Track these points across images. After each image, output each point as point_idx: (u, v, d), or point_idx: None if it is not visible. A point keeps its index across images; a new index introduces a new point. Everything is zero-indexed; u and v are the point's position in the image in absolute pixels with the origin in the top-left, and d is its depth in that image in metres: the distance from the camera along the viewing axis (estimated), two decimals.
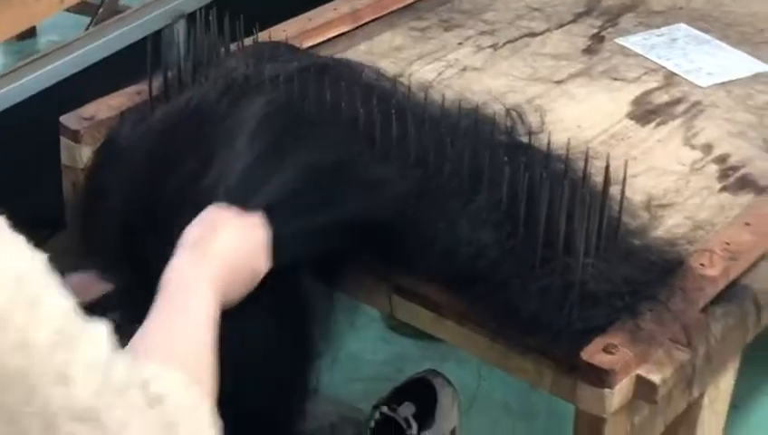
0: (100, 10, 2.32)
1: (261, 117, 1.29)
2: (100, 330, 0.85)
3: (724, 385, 1.32)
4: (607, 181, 1.23)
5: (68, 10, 2.46)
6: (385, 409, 1.83)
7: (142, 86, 1.54)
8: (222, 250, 1.13)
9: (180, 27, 1.88)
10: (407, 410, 1.84)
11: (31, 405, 0.78)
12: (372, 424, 1.82)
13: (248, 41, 1.57)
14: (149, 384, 0.89)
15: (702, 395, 1.28)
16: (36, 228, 1.14)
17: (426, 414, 1.86)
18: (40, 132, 1.60)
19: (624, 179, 1.26)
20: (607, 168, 1.23)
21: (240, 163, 1.24)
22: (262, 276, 1.18)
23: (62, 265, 1.08)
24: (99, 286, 1.29)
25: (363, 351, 2.18)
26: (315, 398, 1.88)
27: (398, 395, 1.87)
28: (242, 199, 1.20)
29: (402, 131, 1.31)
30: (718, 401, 1.33)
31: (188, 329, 1.04)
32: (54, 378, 0.79)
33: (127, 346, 0.98)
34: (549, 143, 1.30)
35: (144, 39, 1.90)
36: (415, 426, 1.82)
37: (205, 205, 1.19)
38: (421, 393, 1.88)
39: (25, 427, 0.78)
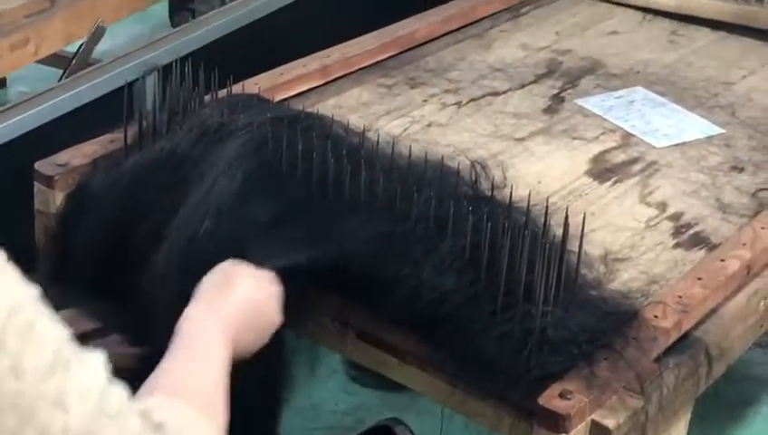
0: (73, 62, 2.36)
1: (233, 160, 1.34)
2: (96, 358, 0.87)
3: (676, 434, 1.36)
4: (566, 233, 1.28)
5: (40, 62, 2.50)
6: None
7: (116, 135, 1.58)
8: (236, 302, 1.18)
9: (152, 80, 1.92)
10: None
11: (30, 427, 0.81)
12: None
13: (221, 93, 1.61)
14: (152, 413, 0.91)
15: None
16: None
17: None
18: (14, 179, 1.63)
19: (582, 233, 1.31)
20: (566, 220, 1.28)
21: (217, 204, 1.28)
22: (275, 329, 1.23)
23: None
24: (80, 324, 1.32)
25: (325, 401, 2.21)
26: None
27: None
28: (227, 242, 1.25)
29: (370, 180, 1.36)
30: None
31: (201, 371, 1.08)
32: (51, 402, 0.82)
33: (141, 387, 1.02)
34: (510, 196, 1.35)
35: (116, 91, 1.95)
36: None
37: (184, 246, 1.23)
38: None
39: None
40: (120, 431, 0.85)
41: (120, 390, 0.88)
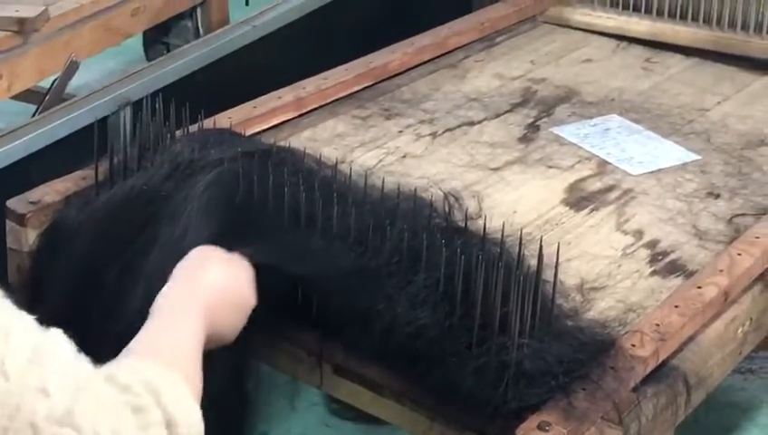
0: (47, 97, 2.35)
1: (204, 195, 1.33)
2: (58, 335, 0.94)
3: None
4: (540, 264, 1.27)
5: (14, 98, 2.49)
6: None
7: (88, 171, 1.56)
8: (211, 282, 1.22)
9: (126, 114, 1.92)
10: None
11: (18, 419, 0.87)
12: None
13: (193, 127, 1.61)
14: (117, 377, 0.97)
15: None
16: None
17: None
18: None
19: (557, 263, 1.30)
20: (540, 251, 1.28)
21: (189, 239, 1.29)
22: (251, 309, 1.26)
23: None
24: None
25: (304, 434, 2.19)
26: None
27: None
28: None
29: (343, 213, 1.35)
30: None
31: (175, 338, 1.12)
32: (34, 392, 0.89)
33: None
34: (485, 227, 1.35)
35: (91, 126, 1.94)
36: None
37: (155, 276, 1.23)
38: None
39: None
40: (93, 404, 0.92)
41: (85, 362, 0.95)
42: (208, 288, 1.21)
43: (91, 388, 0.94)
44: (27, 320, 0.93)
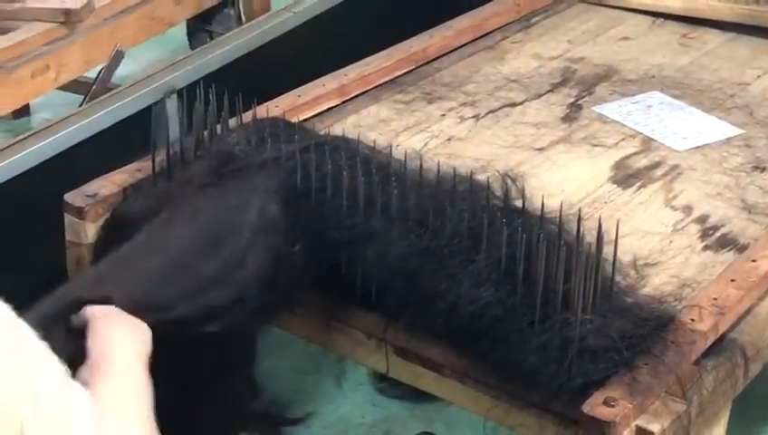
0: (93, 87, 2.37)
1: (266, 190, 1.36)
2: (83, 397, 0.92)
3: None
4: (600, 241, 1.29)
5: (61, 88, 2.52)
6: None
7: (142, 163, 1.58)
8: (125, 362, 1.14)
9: (172, 102, 1.94)
10: None
11: None
12: None
13: (245, 116, 1.62)
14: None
15: None
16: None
17: None
18: (39, 205, 1.65)
19: (616, 239, 1.32)
20: (599, 228, 1.29)
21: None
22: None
23: None
24: None
25: (352, 414, 2.22)
26: None
27: None
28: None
29: (402, 196, 1.37)
30: None
31: (132, 396, 1.09)
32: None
33: None
34: (542, 206, 1.36)
35: (135, 114, 1.96)
36: None
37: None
38: None
39: None
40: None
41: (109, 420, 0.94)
42: (125, 362, 1.14)
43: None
44: (55, 374, 0.91)
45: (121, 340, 1.15)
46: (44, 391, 0.87)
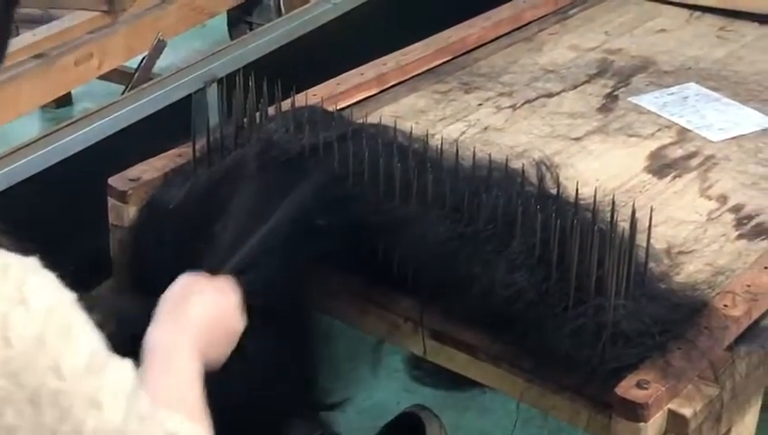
0: (135, 76, 2.41)
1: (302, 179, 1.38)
2: (126, 364, 0.93)
3: (748, 421, 1.38)
4: (634, 227, 1.30)
5: (103, 78, 2.55)
6: None
7: (183, 149, 1.61)
8: (196, 316, 1.19)
9: (213, 91, 1.97)
10: None
11: (66, 424, 0.86)
12: None
13: (284, 104, 1.64)
14: (165, 422, 0.97)
15: (729, 431, 1.34)
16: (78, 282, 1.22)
17: None
18: (81, 191, 1.68)
19: (650, 226, 1.33)
20: (633, 214, 1.31)
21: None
22: (239, 333, 1.25)
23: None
24: None
25: (387, 401, 2.25)
26: None
27: (390, 430, 2.00)
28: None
29: (437, 182, 1.39)
30: None
31: (182, 388, 1.11)
32: (87, 401, 0.87)
33: None
34: (577, 193, 1.38)
35: (175, 103, 1.99)
36: None
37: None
38: (411, 428, 1.99)
39: None
40: (144, 430, 0.91)
41: (145, 395, 0.93)
42: (193, 325, 1.18)
43: (149, 422, 0.92)
44: (94, 333, 0.91)
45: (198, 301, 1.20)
46: (70, 364, 0.87)
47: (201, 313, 1.20)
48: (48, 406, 0.85)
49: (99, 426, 0.87)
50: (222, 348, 1.22)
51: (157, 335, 1.16)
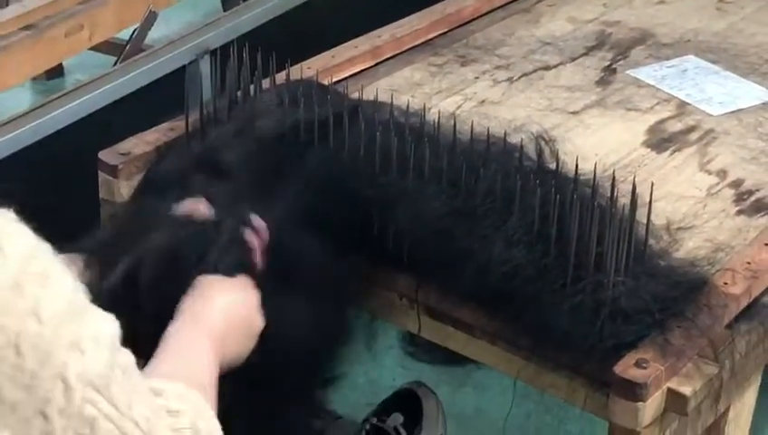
0: (127, 48, 2.38)
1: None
2: (108, 316, 0.91)
3: (747, 400, 1.37)
4: (634, 203, 1.28)
5: (94, 49, 2.52)
6: (375, 420, 1.94)
7: (175, 123, 1.59)
8: (217, 314, 1.19)
9: (205, 63, 1.94)
10: (395, 420, 1.94)
11: (48, 369, 0.84)
12: None
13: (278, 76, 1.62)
14: (149, 379, 0.97)
15: (728, 409, 1.32)
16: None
17: (413, 423, 1.96)
18: (72, 163, 1.66)
19: (650, 202, 1.31)
20: (633, 190, 1.29)
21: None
22: (258, 333, 1.24)
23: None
24: None
25: (382, 377, 2.23)
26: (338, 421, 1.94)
27: (386, 407, 1.97)
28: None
29: (434, 156, 1.37)
30: (742, 415, 1.37)
31: (192, 372, 1.10)
32: (68, 345, 0.85)
33: None
34: (576, 168, 1.36)
35: (169, 74, 1.97)
36: (404, 434, 1.90)
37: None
38: (407, 404, 1.97)
39: (46, 390, 0.84)
40: (128, 386, 0.89)
41: (126, 350, 0.92)
42: (216, 323, 1.18)
43: (129, 374, 0.91)
44: (72, 280, 0.89)
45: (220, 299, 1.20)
46: (50, 308, 0.86)
47: (221, 310, 1.19)
48: (29, 350, 0.83)
49: (82, 371, 0.86)
50: (240, 346, 1.22)
51: (173, 333, 1.15)
